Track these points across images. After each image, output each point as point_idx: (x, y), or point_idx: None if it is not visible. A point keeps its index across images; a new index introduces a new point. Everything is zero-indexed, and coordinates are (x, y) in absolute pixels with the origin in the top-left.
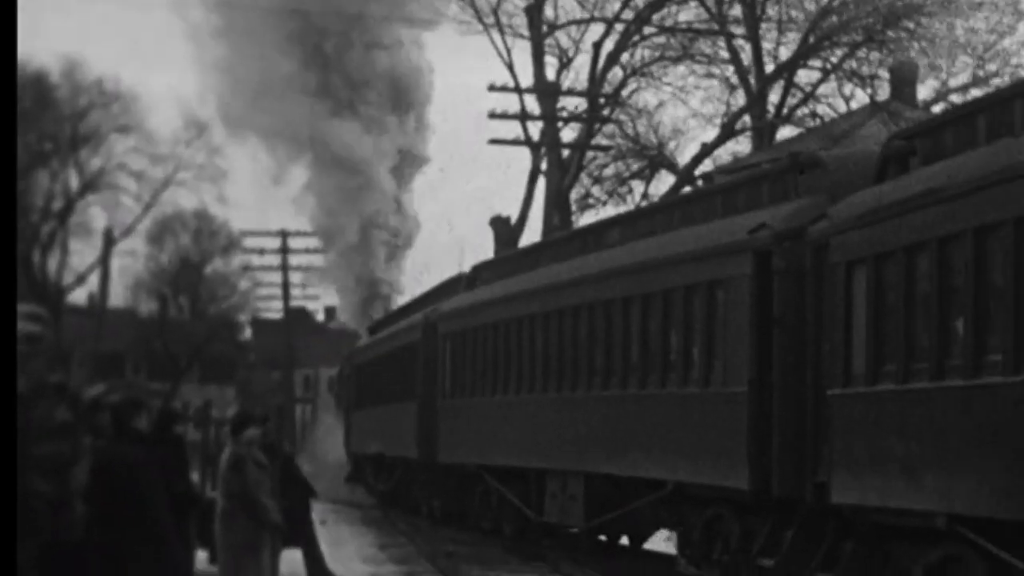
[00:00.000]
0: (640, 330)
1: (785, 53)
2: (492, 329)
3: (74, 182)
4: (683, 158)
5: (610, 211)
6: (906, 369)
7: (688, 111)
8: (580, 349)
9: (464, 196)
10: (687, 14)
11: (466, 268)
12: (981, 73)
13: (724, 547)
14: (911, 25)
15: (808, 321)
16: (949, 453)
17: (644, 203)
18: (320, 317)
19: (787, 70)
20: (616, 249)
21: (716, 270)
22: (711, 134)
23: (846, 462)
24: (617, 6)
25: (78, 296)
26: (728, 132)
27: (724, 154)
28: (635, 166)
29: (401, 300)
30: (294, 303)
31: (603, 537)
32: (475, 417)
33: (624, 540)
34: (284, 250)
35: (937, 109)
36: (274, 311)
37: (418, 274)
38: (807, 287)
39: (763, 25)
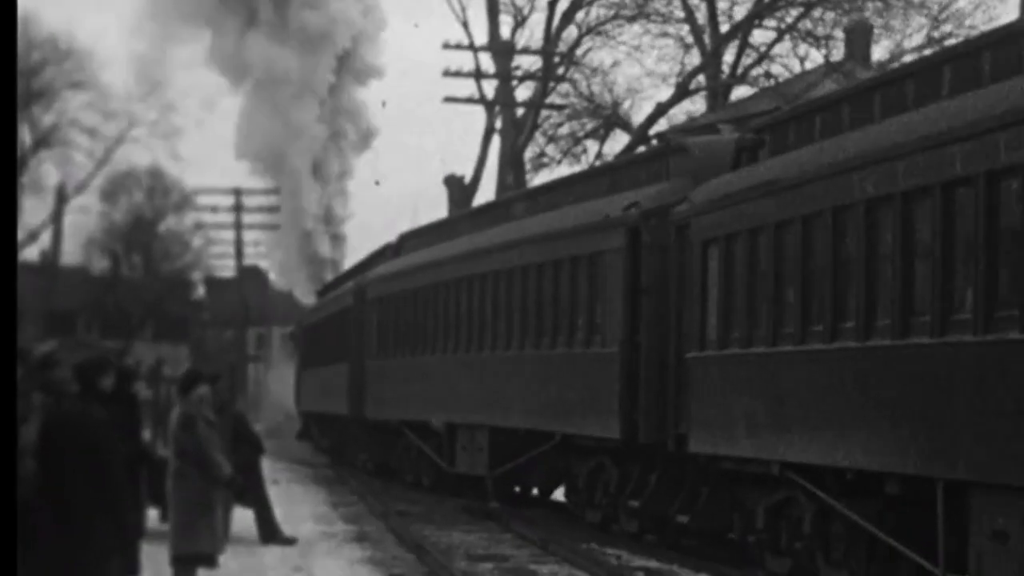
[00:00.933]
0: (535, 296)
1: (740, 13)
2: (412, 295)
3: (27, 138)
4: (638, 117)
5: (564, 170)
6: (749, 336)
7: (643, 70)
8: (485, 314)
9: (418, 153)
10: None
11: (421, 224)
12: (936, 34)
13: (604, 492)
14: None
15: (671, 291)
16: (782, 409)
17: (598, 163)
18: (273, 276)
19: (742, 30)
20: (518, 222)
21: (596, 243)
22: (666, 93)
23: (701, 416)
24: None
25: (30, 253)
26: (682, 92)
27: (679, 113)
28: (589, 125)
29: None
30: (247, 261)
31: (517, 488)
32: (397, 376)
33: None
34: (238, 208)
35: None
36: (227, 269)
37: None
38: (671, 261)
39: None
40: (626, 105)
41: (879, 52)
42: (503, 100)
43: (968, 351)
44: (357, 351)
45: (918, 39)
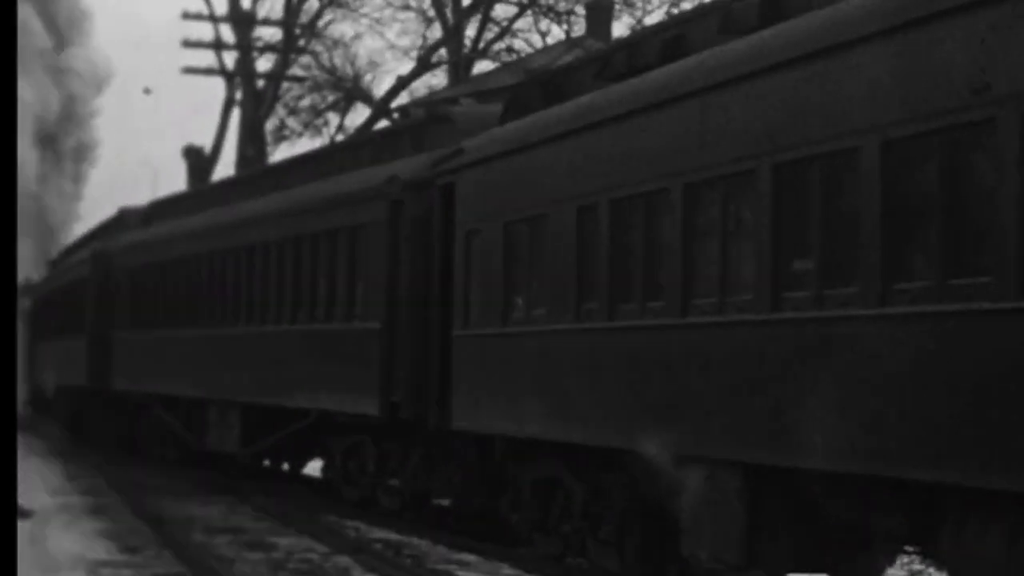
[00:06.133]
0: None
1: None
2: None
3: None
4: (379, 91)
5: (306, 143)
6: (151, 323)
7: (384, 43)
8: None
9: (157, 124)
10: None
11: (159, 195)
12: (675, 11)
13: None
14: None
15: (109, 299)
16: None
17: (339, 135)
18: None
19: (483, 4)
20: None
21: (78, 273)
22: (407, 67)
23: (120, 370)
24: None
25: None
26: (424, 65)
27: (421, 87)
28: (331, 98)
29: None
30: None
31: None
32: (51, 354)
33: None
34: None
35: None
36: None
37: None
38: (109, 282)
39: None
40: (367, 78)
41: (619, 28)
42: (243, 71)
43: (303, 335)
44: (34, 335)
45: (658, 16)
